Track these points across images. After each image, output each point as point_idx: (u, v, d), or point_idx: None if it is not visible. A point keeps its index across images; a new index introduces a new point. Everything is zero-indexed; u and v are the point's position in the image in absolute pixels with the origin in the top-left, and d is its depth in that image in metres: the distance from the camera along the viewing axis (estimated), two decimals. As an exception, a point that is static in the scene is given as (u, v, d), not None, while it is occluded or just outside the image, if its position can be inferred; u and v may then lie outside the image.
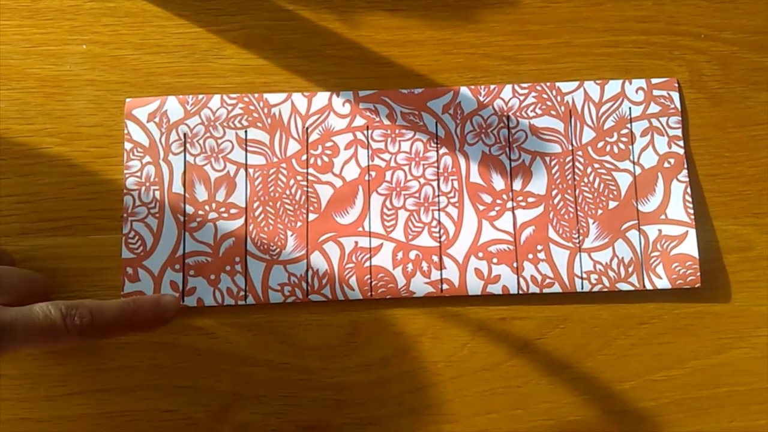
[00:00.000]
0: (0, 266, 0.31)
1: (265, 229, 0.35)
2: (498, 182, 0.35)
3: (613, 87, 0.36)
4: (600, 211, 0.35)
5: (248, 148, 0.35)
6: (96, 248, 0.35)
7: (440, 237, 0.35)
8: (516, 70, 0.36)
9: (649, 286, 0.34)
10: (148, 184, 0.35)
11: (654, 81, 0.36)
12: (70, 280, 0.34)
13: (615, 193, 0.35)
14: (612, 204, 0.35)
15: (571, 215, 0.35)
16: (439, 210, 0.35)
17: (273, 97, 0.36)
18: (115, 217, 0.35)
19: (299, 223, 0.35)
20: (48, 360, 0.34)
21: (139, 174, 0.35)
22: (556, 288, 0.34)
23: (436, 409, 0.34)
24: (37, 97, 0.36)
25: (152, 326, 0.32)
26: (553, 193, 0.35)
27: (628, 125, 0.36)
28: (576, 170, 0.35)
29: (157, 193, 0.35)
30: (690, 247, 0.34)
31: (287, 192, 0.35)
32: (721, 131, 0.36)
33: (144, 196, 0.35)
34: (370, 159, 0.35)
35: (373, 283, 0.34)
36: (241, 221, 0.35)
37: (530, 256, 0.34)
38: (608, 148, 0.35)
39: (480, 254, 0.34)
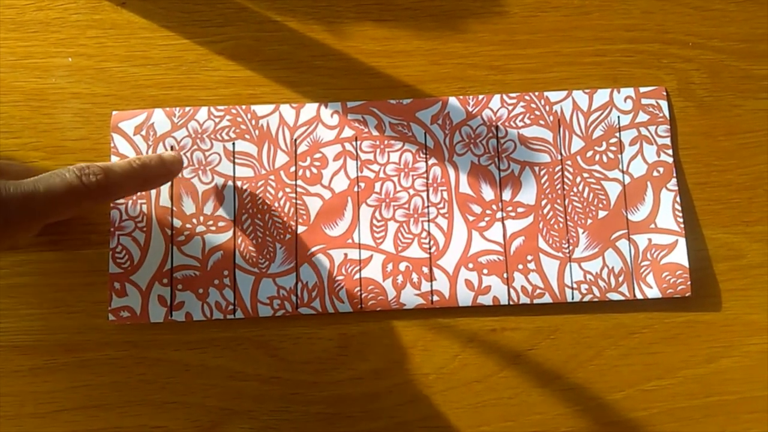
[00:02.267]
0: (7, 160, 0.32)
1: (254, 241, 0.34)
2: (487, 192, 0.35)
3: (602, 96, 0.36)
4: (590, 221, 0.35)
5: (236, 161, 0.35)
6: (83, 263, 0.34)
7: (430, 248, 0.35)
8: (504, 80, 0.36)
9: (639, 296, 0.34)
10: (135, 197, 0.35)
11: (642, 90, 0.36)
12: (57, 295, 0.34)
13: (604, 202, 0.35)
14: (601, 213, 0.35)
15: (561, 225, 0.35)
16: (428, 221, 0.35)
17: (261, 109, 0.36)
18: (102, 232, 0.35)
19: (288, 236, 0.35)
20: (36, 377, 0.34)
21: (126, 188, 0.35)
22: (547, 298, 0.34)
23: (428, 421, 0.34)
24: (22, 111, 0.36)
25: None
26: (543, 203, 0.35)
27: (617, 134, 0.35)
28: (565, 180, 0.35)
29: (145, 207, 0.35)
30: (680, 256, 0.34)
31: (276, 204, 0.35)
32: (710, 139, 0.36)
33: (131, 210, 0.35)
34: (359, 170, 0.35)
35: (363, 296, 0.34)
36: (229, 234, 0.34)
37: (520, 266, 0.34)
38: (597, 157, 0.35)
39: (470, 265, 0.34)
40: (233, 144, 0.35)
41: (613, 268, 0.34)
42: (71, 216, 0.34)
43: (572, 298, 0.34)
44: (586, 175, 0.35)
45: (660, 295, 0.34)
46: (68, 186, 0.28)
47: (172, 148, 0.35)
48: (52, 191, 0.28)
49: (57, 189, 0.28)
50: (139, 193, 0.35)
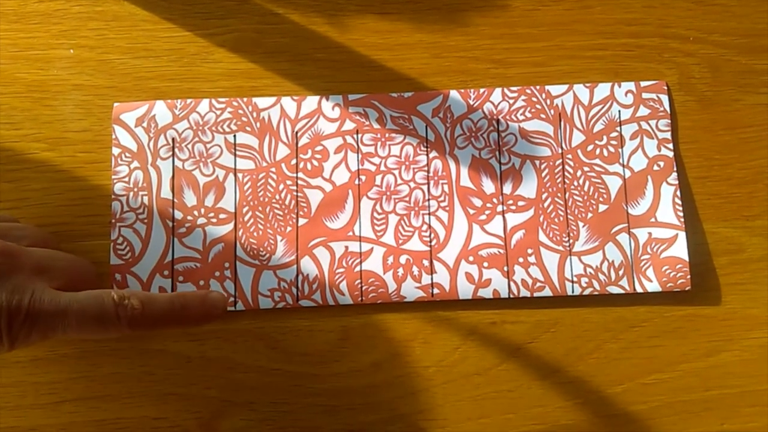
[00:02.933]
0: (50, 250, 0.31)
1: (255, 234, 0.34)
2: (488, 186, 0.35)
3: (603, 90, 0.36)
4: (590, 215, 0.35)
5: (237, 153, 0.35)
6: (84, 254, 0.34)
7: (431, 241, 0.35)
8: (505, 74, 0.36)
9: (639, 290, 0.34)
10: (136, 189, 0.35)
11: (643, 84, 0.36)
12: (58, 286, 0.34)
13: (605, 196, 0.35)
14: (602, 207, 0.35)
15: (562, 219, 0.35)
16: (429, 214, 0.35)
17: (262, 101, 0.36)
18: (103, 223, 0.35)
19: (289, 228, 0.35)
20: (37, 368, 0.34)
21: (127, 179, 0.35)
22: (547, 292, 0.34)
23: (428, 414, 0.34)
24: (24, 102, 0.36)
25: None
26: (543, 196, 0.35)
27: (618, 128, 0.35)
28: (566, 173, 0.35)
29: (146, 199, 0.35)
30: (680, 250, 0.34)
31: (277, 197, 0.35)
32: (710, 134, 0.36)
33: (132, 202, 0.35)
34: (360, 163, 0.35)
35: (363, 288, 0.34)
36: (230, 226, 0.35)
37: (521, 259, 0.34)
38: (598, 151, 0.35)
39: (471, 258, 0.34)
40: (234, 136, 0.35)
41: (613, 261, 0.34)
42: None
43: (572, 292, 0.34)
44: (586, 168, 0.35)
45: (660, 289, 0.34)
46: (101, 313, 0.28)
47: (173, 140, 0.35)
48: (83, 314, 0.28)
49: (89, 313, 0.28)
50: (140, 184, 0.35)
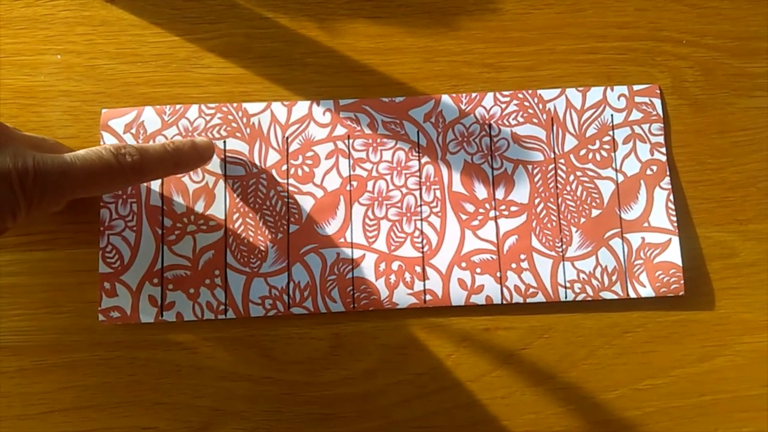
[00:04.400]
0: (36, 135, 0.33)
1: (245, 241, 0.34)
2: (480, 191, 0.35)
3: (595, 94, 0.36)
4: (583, 220, 0.35)
5: (227, 159, 0.35)
6: (73, 262, 0.34)
7: (423, 247, 0.34)
8: (497, 78, 0.36)
9: (632, 295, 0.34)
10: (125, 196, 0.34)
11: (636, 88, 0.36)
12: (47, 295, 0.34)
13: (598, 201, 0.35)
14: (595, 212, 0.35)
15: (554, 224, 0.35)
16: (421, 220, 0.35)
17: (252, 107, 0.35)
18: (91, 231, 0.34)
19: (280, 235, 0.34)
20: (25, 378, 0.33)
21: (115, 187, 0.34)
22: (540, 297, 0.34)
23: (421, 421, 0.33)
24: (11, 108, 0.35)
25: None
26: (536, 201, 0.35)
27: (611, 132, 0.35)
28: (558, 178, 0.35)
29: (135, 206, 0.34)
30: (673, 254, 0.34)
31: (267, 203, 0.35)
32: (703, 138, 0.36)
33: (121, 209, 0.34)
34: (352, 169, 0.35)
35: (355, 295, 0.34)
36: (220, 233, 0.34)
37: (513, 265, 0.34)
38: (590, 155, 0.35)
39: (463, 264, 0.34)
40: (224, 142, 0.35)
41: (606, 267, 0.34)
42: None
43: (565, 297, 0.34)
44: (579, 173, 0.35)
45: (653, 294, 0.34)
46: (105, 164, 0.29)
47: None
48: (88, 167, 0.28)
49: (93, 165, 0.28)
50: (129, 191, 0.34)
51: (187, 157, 0.32)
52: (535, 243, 0.34)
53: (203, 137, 0.34)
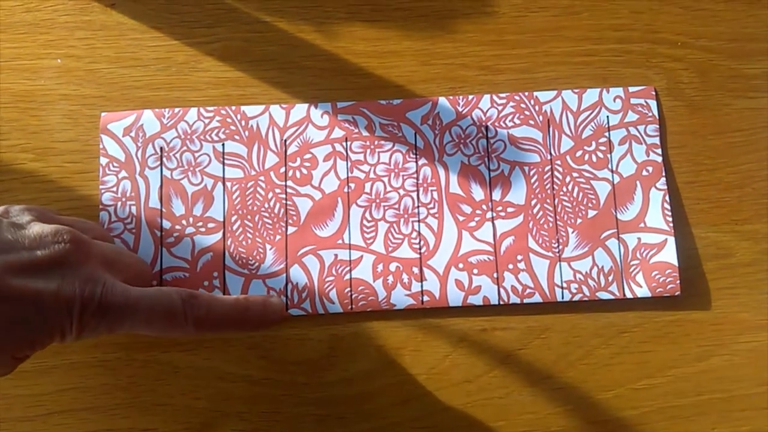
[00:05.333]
0: (113, 245, 0.31)
1: (244, 243, 0.34)
2: (477, 192, 0.35)
3: (591, 96, 0.36)
4: (579, 220, 0.35)
5: (226, 162, 0.35)
6: (72, 265, 0.34)
7: (420, 248, 0.35)
8: (494, 80, 0.36)
9: (629, 295, 0.34)
10: (124, 199, 0.35)
11: (631, 89, 0.36)
12: (46, 297, 0.34)
13: (594, 202, 0.35)
14: (591, 213, 0.35)
15: (551, 225, 0.35)
16: (419, 221, 0.35)
17: (250, 110, 0.36)
18: (91, 233, 0.34)
19: (278, 237, 0.35)
20: (24, 380, 0.33)
21: (114, 189, 0.35)
22: (537, 298, 0.34)
23: (419, 422, 0.33)
24: (11, 112, 0.36)
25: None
26: (533, 202, 0.35)
27: (606, 134, 0.36)
28: (555, 179, 0.35)
29: (134, 209, 0.34)
30: (669, 255, 0.34)
31: (265, 205, 0.35)
32: (699, 139, 0.36)
33: (120, 212, 0.34)
34: (349, 171, 0.35)
35: (353, 296, 0.34)
36: (219, 235, 0.34)
37: (510, 266, 0.34)
38: (587, 157, 0.35)
39: (460, 265, 0.34)
40: (223, 145, 0.35)
41: (602, 267, 0.34)
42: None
43: (562, 298, 0.34)
44: (575, 174, 0.35)
45: (650, 294, 0.34)
46: (171, 310, 0.28)
47: (162, 149, 0.35)
48: (153, 311, 0.28)
49: (160, 309, 0.28)
50: (128, 194, 0.35)
51: (254, 318, 0.32)
52: (531, 244, 0.35)
53: (278, 298, 0.33)
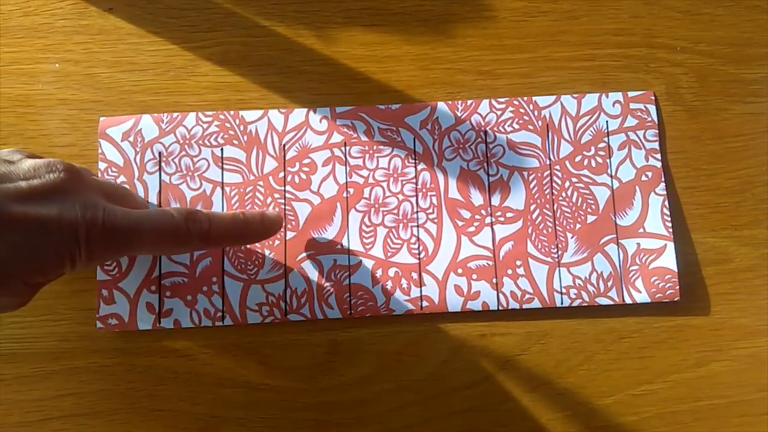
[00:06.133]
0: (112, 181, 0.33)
1: (242, 248, 0.34)
2: (476, 197, 0.35)
3: (590, 101, 0.36)
4: (578, 226, 0.35)
5: (224, 166, 0.35)
6: (71, 270, 0.34)
7: (419, 254, 0.34)
8: (493, 85, 0.36)
9: (628, 300, 0.34)
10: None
11: (631, 94, 0.36)
12: (44, 302, 0.34)
13: (593, 207, 0.35)
14: (590, 218, 0.35)
15: (550, 230, 0.35)
16: (417, 226, 0.35)
17: (249, 114, 0.36)
18: (89, 239, 0.34)
19: (277, 242, 0.34)
20: (22, 386, 0.33)
21: (113, 194, 0.34)
22: (536, 303, 0.34)
23: (418, 428, 0.33)
24: (9, 117, 0.36)
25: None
26: (532, 207, 0.35)
27: (606, 139, 0.35)
28: (554, 185, 0.35)
29: (132, 214, 0.34)
30: (668, 260, 0.34)
31: (264, 210, 0.35)
32: (698, 144, 0.36)
33: (119, 217, 0.34)
34: (348, 176, 0.35)
35: (352, 302, 0.34)
36: (217, 241, 0.34)
37: (509, 271, 0.34)
38: (586, 162, 0.35)
39: (459, 270, 0.34)
40: (221, 150, 0.35)
41: (602, 272, 0.34)
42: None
43: (561, 303, 0.34)
44: (574, 179, 0.35)
45: (649, 300, 0.34)
46: (174, 227, 0.29)
47: (160, 154, 0.35)
48: (157, 228, 0.28)
49: (163, 227, 0.28)
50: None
51: (254, 230, 0.32)
52: (531, 249, 0.34)
53: (274, 211, 0.34)
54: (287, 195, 0.35)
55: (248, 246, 0.34)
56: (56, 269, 0.27)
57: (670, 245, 0.34)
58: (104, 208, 0.27)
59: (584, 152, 0.35)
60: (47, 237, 0.26)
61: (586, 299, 0.34)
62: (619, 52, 0.37)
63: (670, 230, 0.35)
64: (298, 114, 0.36)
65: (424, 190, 0.35)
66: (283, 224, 0.35)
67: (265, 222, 0.32)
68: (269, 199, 0.35)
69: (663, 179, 0.35)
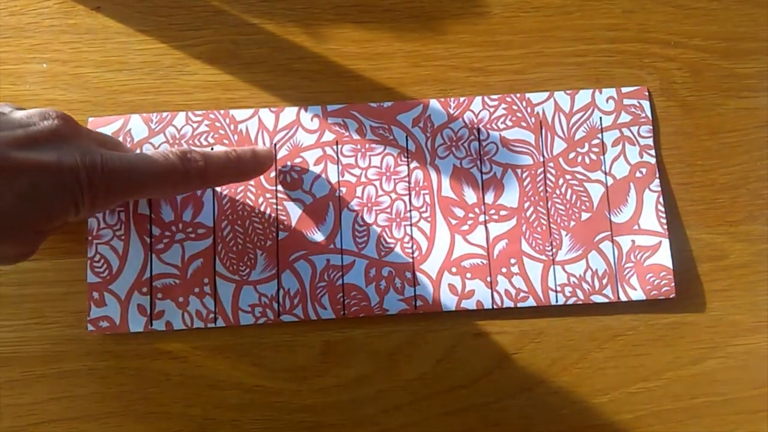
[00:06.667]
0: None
1: (234, 248, 0.34)
2: (470, 195, 0.35)
3: (584, 97, 0.35)
4: (573, 223, 0.34)
5: (215, 167, 0.35)
6: (61, 272, 0.34)
7: (413, 253, 0.34)
8: (486, 82, 0.36)
9: (623, 298, 0.34)
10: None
11: (624, 90, 0.36)
12: (35, 305, 0.34)
13: (587, 204, 0.35)
14: (584, 215, 0.34)
15: (544, 228, 0.34)
16: (411, 225, 0.34)
17: (239, 113, 0.35)
18: (79, 240, 0.34)
19: (269, 242, 0.34)
20: (13, 390, 0.33)
21: (103, 196, 0.34)
22: (531, 302, 0.34)
23: (413, 428, 0.33)
24: (-4, 118, 0.35)
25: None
26: (525, 205, 0.35)
27: (599, 135, 0.35)
28: (548, 182, 0.35)
29: (122, 215, 0.34)
30: (664, 257, 0.34)
31: (256, 210, 0.34)
32: (692, 139, 0.36)
33: (109, 218, 0.34)
34: (341, 175, 0.35)
35: (345, 302, 0.34)
36: (209, 241, 0.34)
37: (504, 270, 0.34)
38: (579, 158, 0.35)
39: (453, 269, 0.34)
40: (212, 149, 0.35)
41: (596, 270, 0.34)
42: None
43: (556, 301, 0.34)
44: (568, 176, 0.35)
45: (644, 297, 0.34)
46: (171, 166, 0.29)
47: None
48: (154, 168, 0.28)
49: (159, 167, 0.28)
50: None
51: (248, 165, 0.32)
52: (525, 247, 0.34)
53: (264, 146, 0.34)
54: (279, 195, 0.35)
55: (239, 247, 0.34)
56: (61, 215, 0.27)
57: (665, 242, 0.34)
58: (101, 154, 0.27)
59: (578, 149, 0.35)
60: (51, 182, 0.26)
61: (581, 297, 0.34)
62: (612, 48, 0.36)
63: (665, 227, 0.34)
64: (289, 113, 0.35)
65: (417, 189, 0.35)
66: (276, 224, 0.34)
67: (257, 156, 0.32)
68: (261, 199, 0.34)
69: (657, 175, 0.35)
